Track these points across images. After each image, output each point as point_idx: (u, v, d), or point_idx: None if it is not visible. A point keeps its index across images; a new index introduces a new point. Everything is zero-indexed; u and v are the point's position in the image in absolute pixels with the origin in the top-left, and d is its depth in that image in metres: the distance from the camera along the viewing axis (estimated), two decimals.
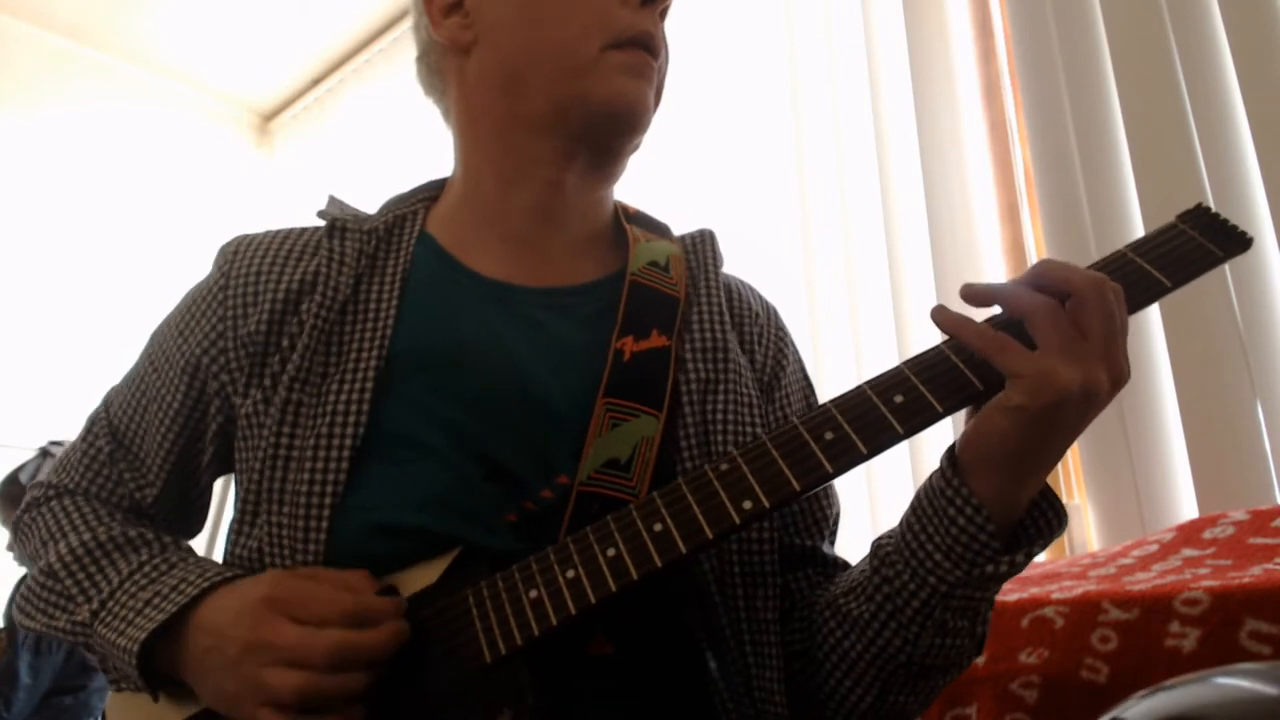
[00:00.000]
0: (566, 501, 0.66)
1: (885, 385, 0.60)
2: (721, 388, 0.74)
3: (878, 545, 0.65)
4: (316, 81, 3.80)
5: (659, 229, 0.88)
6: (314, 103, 3.86)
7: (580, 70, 0.74)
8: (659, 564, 0.58)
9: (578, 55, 0.73)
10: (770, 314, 0.87)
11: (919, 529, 0.61)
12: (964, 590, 0.59)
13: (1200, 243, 0.62)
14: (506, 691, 0.58)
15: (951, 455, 0.60)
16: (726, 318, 0.79)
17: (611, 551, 0.59)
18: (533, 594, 0.59)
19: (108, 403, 0.82)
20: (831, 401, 0.61)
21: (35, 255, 3.26)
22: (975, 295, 0.60)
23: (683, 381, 0.73)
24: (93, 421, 0.81)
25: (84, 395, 0.91)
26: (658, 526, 0.59)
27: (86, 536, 0.72)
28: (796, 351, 0.86)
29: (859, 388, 0.60)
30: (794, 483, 0.58)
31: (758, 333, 0.82)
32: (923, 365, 0.60)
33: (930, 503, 0.60)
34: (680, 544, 0.58)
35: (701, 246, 0.85)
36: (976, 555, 0.58)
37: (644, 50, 0.76)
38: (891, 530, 0.65)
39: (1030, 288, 0.59)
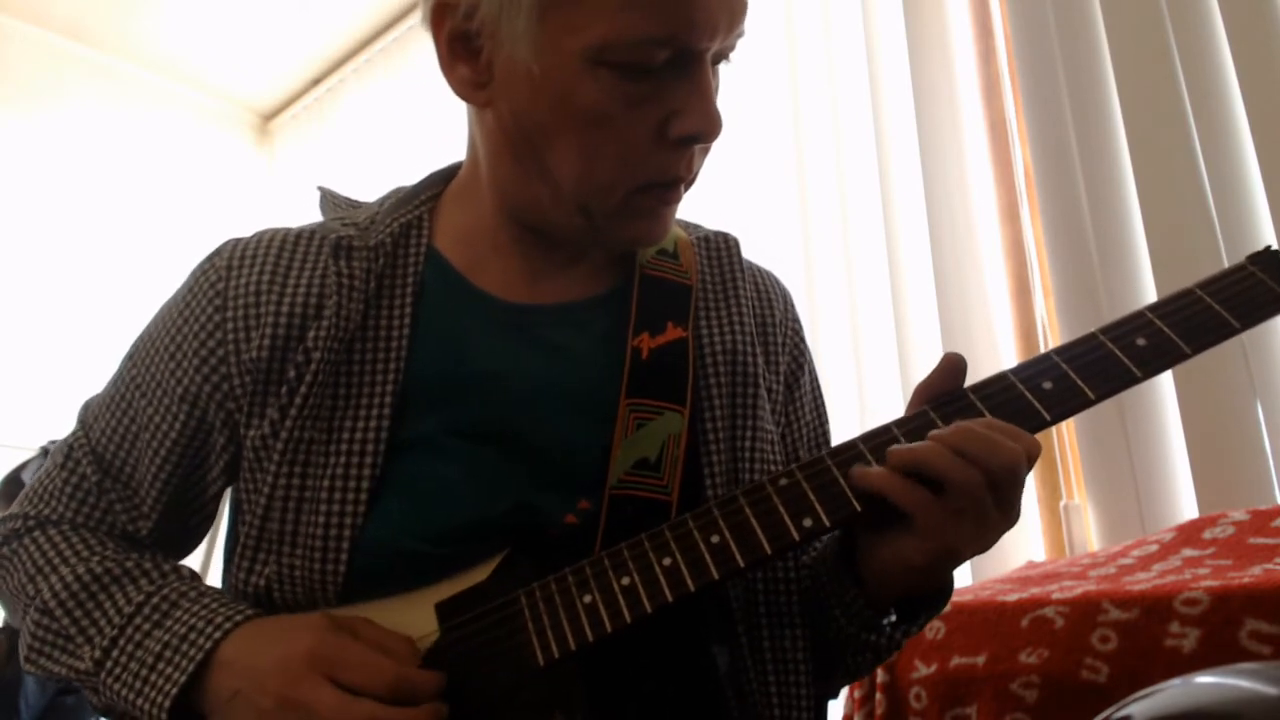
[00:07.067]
0: (599, 510, 0.65)
1: (910, 425, 0.62)
2: (750, 393, 0.73)
3: (801, 581, 0.71)
4: (316, 81, 3.79)
5: None
6: (314, 103, 3.85)
7: (600, 212, 0.68)
8: (716, 576, 0.58)
9: (600, 201, 0.67)
10: (789, 306, 0.85)
11: (828, 593, 0.68)
12: (864, 637, 0.66)
13: (1270, 287, 0.60)
14: (558, 695, 0.58)
15: (849, 560, 0.65)
16: (750, 325, 0.77)
17: (668, 561, 0.59)
18: (587, 599, 0.59)
19: (86, 426, 0.75)
20: (891, 423, 0.62)
21: (35, 255, 3.26)
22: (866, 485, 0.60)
23: (711, 376, 0.72)
24: (71, 447, 0.74)
25: (84, 395, 0.90)
26: (715, 539, 0.59)
27: (81, 570, 0.67)
28: (809, 350, 0.86)
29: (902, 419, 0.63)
30: (855, 503, 0.58)
31: (776, 322, 0.81)
32: (988, 394, 0.63)
33: (832, 584, 0.67)
34: (738, 557, 0.58)
35: (720, 249, 0.82)
36: (870, 624, 0.65)
37: (673, 188, 0.69)
38: (817, 565, 0.71)
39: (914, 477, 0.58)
